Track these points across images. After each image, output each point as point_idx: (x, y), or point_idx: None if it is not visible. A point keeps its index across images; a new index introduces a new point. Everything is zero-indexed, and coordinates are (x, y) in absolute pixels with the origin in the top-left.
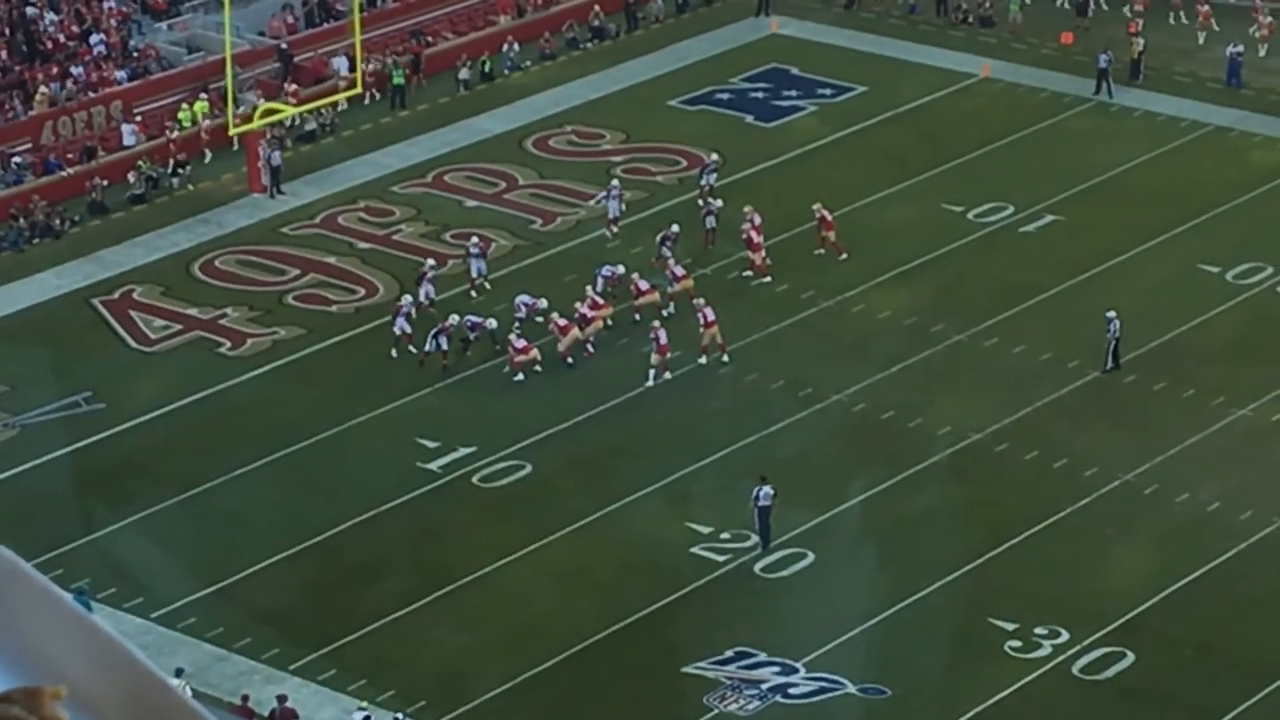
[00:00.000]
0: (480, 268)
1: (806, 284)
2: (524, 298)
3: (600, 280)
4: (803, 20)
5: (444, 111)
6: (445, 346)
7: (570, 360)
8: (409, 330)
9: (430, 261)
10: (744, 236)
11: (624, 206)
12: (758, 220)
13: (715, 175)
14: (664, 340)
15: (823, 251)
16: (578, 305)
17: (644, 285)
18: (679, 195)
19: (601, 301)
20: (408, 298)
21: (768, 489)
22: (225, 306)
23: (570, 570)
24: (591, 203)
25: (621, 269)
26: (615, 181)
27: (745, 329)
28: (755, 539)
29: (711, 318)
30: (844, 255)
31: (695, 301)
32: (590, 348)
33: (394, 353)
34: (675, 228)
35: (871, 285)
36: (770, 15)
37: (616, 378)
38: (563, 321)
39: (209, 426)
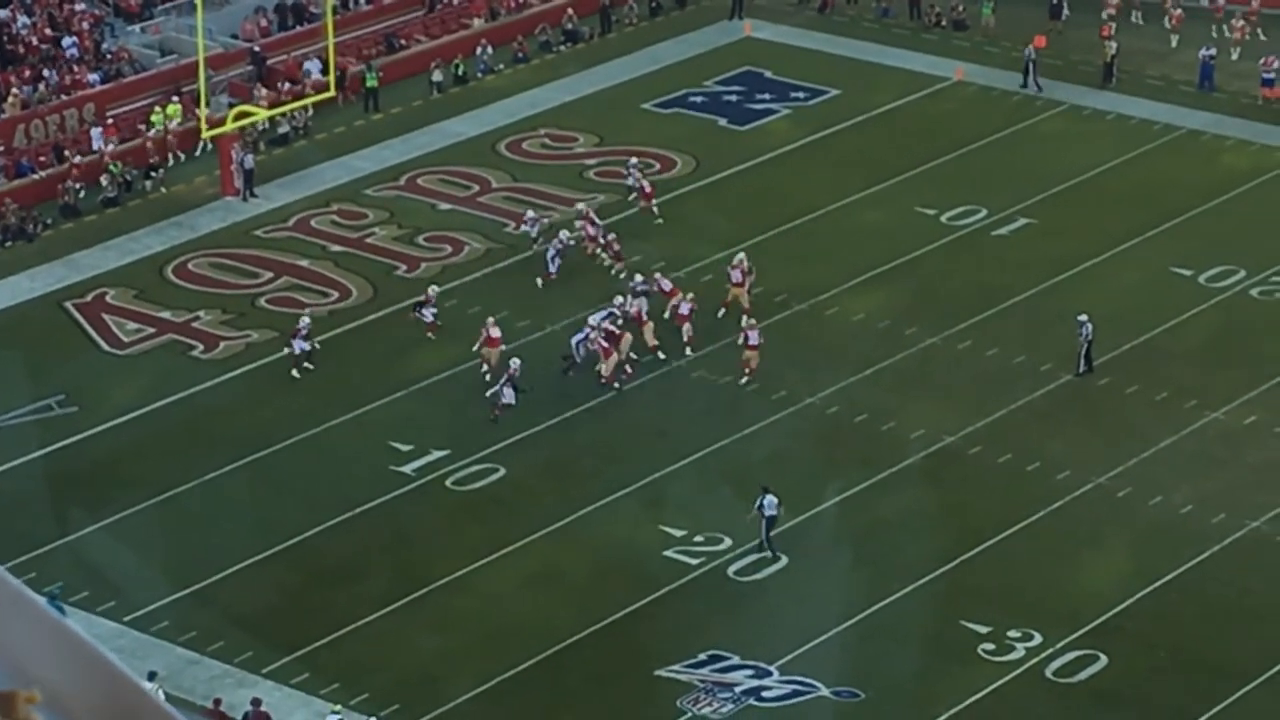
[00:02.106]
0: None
1: (780, 287)
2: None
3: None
4: (776, 23)
5: (417, 114)
6: (510, 400)
7: (617, 385)
8: (308, 349)
9: (433, 288)
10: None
11: (538, 232)
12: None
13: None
14: (605, 344)
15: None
16: (605, 324)
17: (666, 285)
18: (656, 198)
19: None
20: (306, 319)
21: (772, 498)
22: (198, 309)
23: (544, 573)
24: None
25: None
26: (531, 212)
27: (719, 333)
28: (767, 550)
29: (755, 342)
30: (659, 220)
31: (747, 321)
32: (629, 369)
33: (295, 373)
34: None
35: (845, 288)
36: (744, 18)
37: (590, 381)
38: (605, 344)
39: (182, 430)
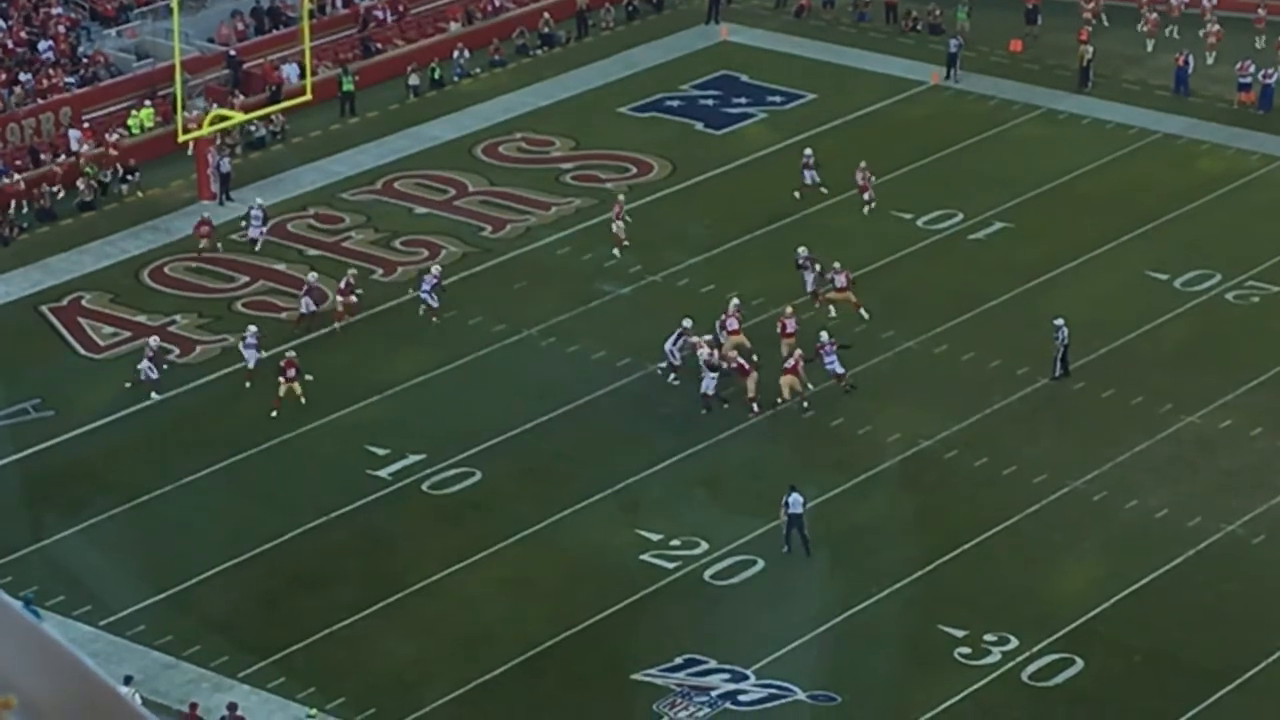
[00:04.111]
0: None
1: (756, 291)
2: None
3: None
4: (752, 28)
5: (394, 118)
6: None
7: (756, 406)
8: (154, 377)
9: (436, 268)
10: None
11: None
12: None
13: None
14: (741, 362)
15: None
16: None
17: (733, 325)
18: (629, 201)
19: (735, 327)
20: (154, 339)
21: (797, 496)
22: (174, 313)
23: (520, 578)
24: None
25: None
26: (437, 268)
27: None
28: (800, 546)
29: (792, 329)
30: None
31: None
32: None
33: (131, 380)
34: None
35: (821, 292)
36: (720, 22)
37: (566, 385)
38: (741, 362)
39: (158, 434)
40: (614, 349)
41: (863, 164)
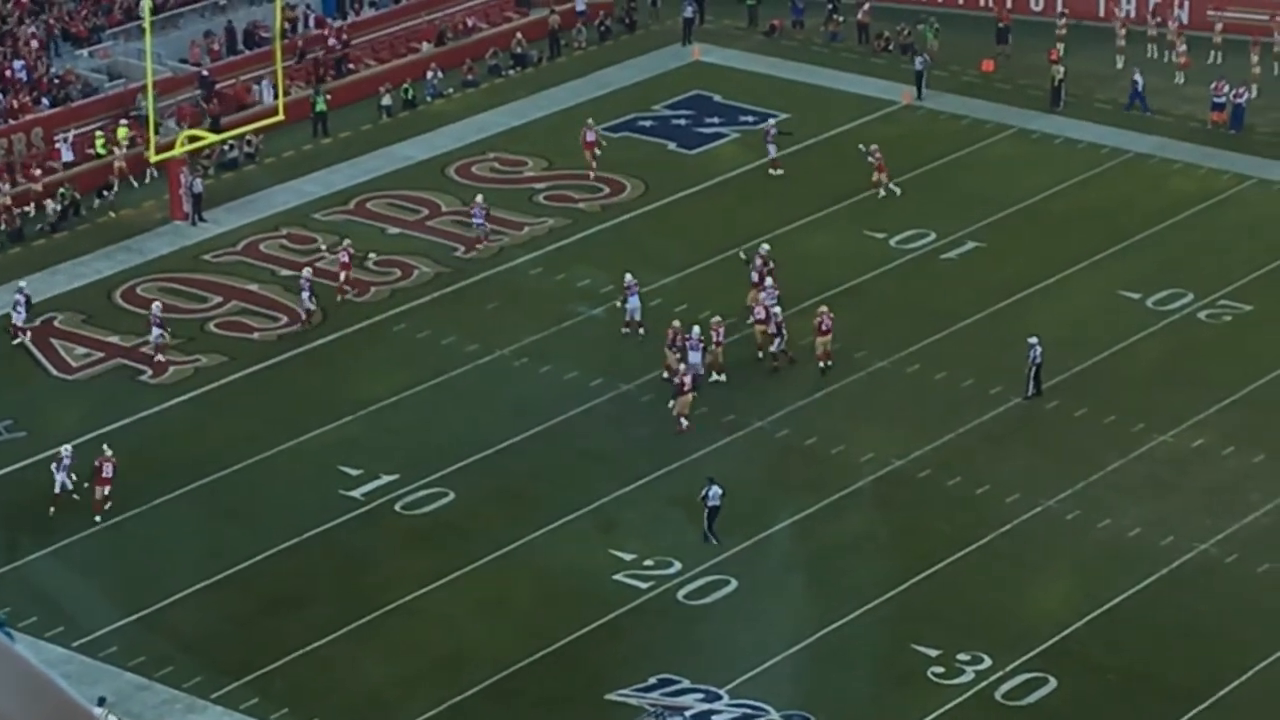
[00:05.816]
0: (635, 306)
1: (728, 311)
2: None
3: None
4: (725, 48)
5: (366, 138)
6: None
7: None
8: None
9: (480, 197)
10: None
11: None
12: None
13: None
14: (687, 382)
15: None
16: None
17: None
18: (602, 222)
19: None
20: (157, 305)
21: (716, 489)
22: (147, 334)
23: (493, 598)
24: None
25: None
26: (480, 197)
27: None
28: (711, 539)
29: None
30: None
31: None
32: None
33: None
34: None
35: (794, 312)
36: (693, 43)
37: (539, 405)
38: (687, 382)
39: (131, 455)
40: (587, 369)
41: (874, 146)
